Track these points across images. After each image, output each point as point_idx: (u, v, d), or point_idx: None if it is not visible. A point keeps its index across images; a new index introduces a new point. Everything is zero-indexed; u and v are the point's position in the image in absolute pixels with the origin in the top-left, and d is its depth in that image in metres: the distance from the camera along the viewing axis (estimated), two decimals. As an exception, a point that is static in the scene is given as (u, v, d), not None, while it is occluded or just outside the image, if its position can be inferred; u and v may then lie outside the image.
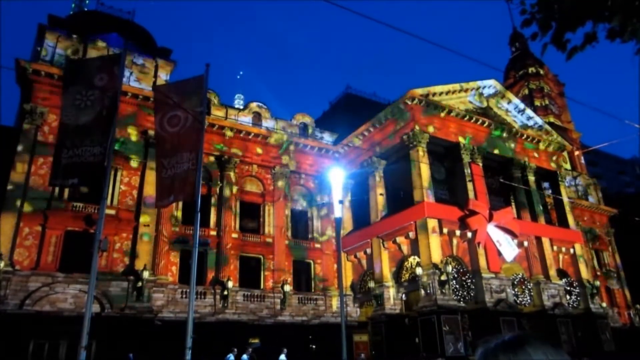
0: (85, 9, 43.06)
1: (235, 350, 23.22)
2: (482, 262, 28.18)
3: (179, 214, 29.58)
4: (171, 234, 28.58)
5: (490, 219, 29.16)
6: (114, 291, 24.61)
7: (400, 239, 30.00)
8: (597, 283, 34.52)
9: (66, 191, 25.78)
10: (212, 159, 31.65)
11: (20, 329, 21.28)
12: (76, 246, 24.64)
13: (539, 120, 37.70)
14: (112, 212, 26.31)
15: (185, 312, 15.10)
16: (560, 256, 33.95)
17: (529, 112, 37.26)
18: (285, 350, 24.21)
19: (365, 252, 32.87)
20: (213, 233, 30.23)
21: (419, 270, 27.04)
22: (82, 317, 8.87)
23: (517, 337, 1.49)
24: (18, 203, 24.40)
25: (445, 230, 28.55)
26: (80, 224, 25.30)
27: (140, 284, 25.10)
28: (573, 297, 32.63)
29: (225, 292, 28.07)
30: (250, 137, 33.58)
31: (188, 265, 29.06)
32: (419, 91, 30.97)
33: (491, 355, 1.47)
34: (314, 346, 28.79)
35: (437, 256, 27.10)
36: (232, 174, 32.08)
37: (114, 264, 25.68)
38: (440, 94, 32.08)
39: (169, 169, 11.19)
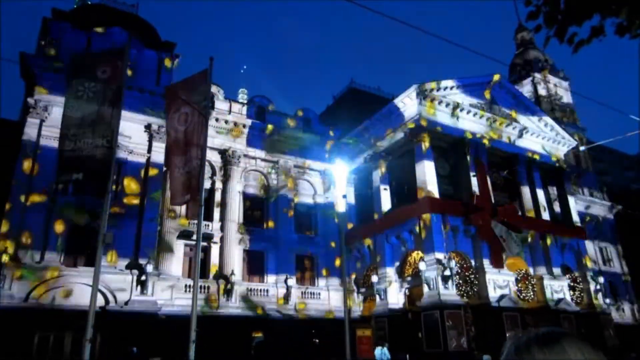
0: (89, 2, 43.02)
1: (387, 344, 23.61)
2: (486, 257, 28.15)
3: (183, 207, 29.63)
4: (175, 228, 28.67)
5: (495, 214, 29.10)
6: (118, 285, 24.70)
7: (403, 234, 29.98)
8: (601, 279, 34.45)
9: (71, 185, 25.86)
10: (216, 153, 31.70)
11: (25, 322, 21.42)
12: (81, 240, 24.77)
13: (544, 115, 37.52)
14: (117, 205, 26.37)
15: (189, 306, 15.18)
16: (564, 252, 33.85)
17: (533, 107, 37.10)
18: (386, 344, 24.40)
19: (368, 247, 32.88)
20: (217, 227, 30.31)
21: (422, 265, 27.02)
22: (87, 310, 8.92)
23: (552, 332, 1.44)
24: (23, 197, 24.50)
25: (449, 226, 28.51)
26: (84, 218, 25.38)
27: (144, 277, 25.20)
28: (577, 292, 32.58)
29: (229, 286, 28.16)
30: (253, 131, 33.60)
31: (192, 259, 29.22)
32: (424, 86, 30.85)
33: (524, 350, 1.41)
34: (317, 340, 28.89)
35: (440, 251, 27.07)
36: (236, 168, 32.13)
37: (118, 257, 25.75)
38: (445, 88, 31.96)
39: (182, 167, 11.33)
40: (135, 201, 27.56)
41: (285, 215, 33.08)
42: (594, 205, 45.13)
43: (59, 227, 25.05)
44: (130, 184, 27.78)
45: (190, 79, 12.17)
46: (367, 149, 34.26)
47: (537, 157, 35.29)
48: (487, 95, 34.51)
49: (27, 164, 25.19)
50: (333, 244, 33.58)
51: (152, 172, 28.45)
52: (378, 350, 23.75)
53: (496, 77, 34.88)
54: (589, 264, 34.95)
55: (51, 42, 28.14)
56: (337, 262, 32.89)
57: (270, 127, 34.25)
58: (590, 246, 38.51)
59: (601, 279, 34.31)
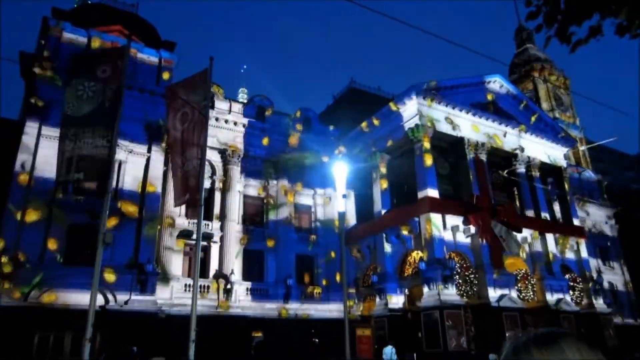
0: (89, 2, 43.02)
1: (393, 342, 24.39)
2: (486, 257, 28.15)
3: (183, 207, 29.62)
4: (175, 227, 28.66)
5: (494, 214, 29.10)
6: (118, 284, 24.69)
7: (403, 234, 29.98)
8: (601, 279, 34.46)
9: (71, 185, 25.83)
10: (216, 152, 31.70)
11: (25, 321, 21.42)
12: (80, 239, 24.73)
13: (543, 115, 37.53)
14: (117, 205, 26.38)
15: (189, 306, 15.21)
16: (564, 252, 33.85)
17: (533, 107, 37.09)
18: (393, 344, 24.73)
19: (368, 247, 32.86)
20: (217, 226, 30.31)
21: (422, 265, 27.03)
22: (87, 310, 8.92)
23: (550, 333, 1.45)
24: (22, 196, 24.49)
25: (449, 225, 28.51)
26: (84, 217, 25.35)
27: (144, 277, 25.21)
28: (576, 292, 32.58)
29: (229, 286, 28.17)
30: (253, 130, 33.61)
31: (192, 258, 29.22)
32: (424, 85, 30.84)
33: (523, 350, 1.42)
34: (316, 340, 28.90)
35: (440, 251, 27.08)
36: (235, 167, 32.13)
37: (118, 257, 25.73)
38: (445, 88, 31.94)
39: (182, 166, 11.39)
40: (135, 201, 27.57)
41: (285, 214, 33.08)
42: (593, 207, 45.12)
43: (58, 226, 25.05)
44: (130, 183, 27.79)
45: (191, 78, 12.18)
46: (367, 149, 34.24)
47: (536, 157, 35.28)
48: (487, 95, 34.51)
49: (27, 164, 25.18)
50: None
51: (152, 171, 28.46)
52: (388, 349, 23.71)
53: (496, 77, 34.89)
54: (589, 264, 34.90)
55: (51, 41, 28.13)
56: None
57: (270, 126, 34.28)
58: (590, 247, 38.45)
59: (601, 279, 34.33)
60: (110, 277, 24.38)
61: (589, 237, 39.11)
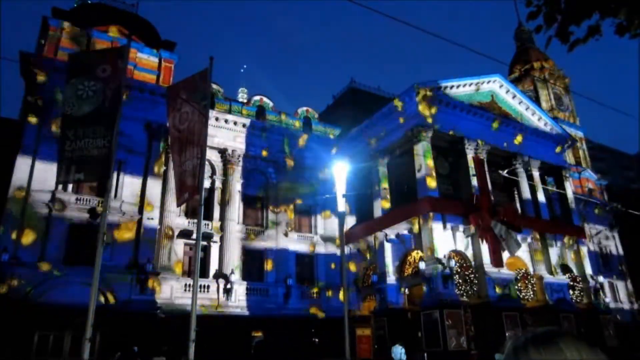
0: (89, 1, 43.02)
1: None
2: (486, 256, 28.14)
3: (183, 206, 29.63)
4: (175, 227, 28.65)
5: (494, 213, 29.08)
6: (118, 284, 24.70)
7: (403, 233, 29.98)
8: (601, 279, 34.43)
9: (71, 184, 25.85)
10: (216, 152, 31.69)
11: (25, 320, 21.42)
12: (81, 239, 24.75)
13: (543, 114, 37.48)
14: (117, 204, 26.40)
15: (189, 305, 15.22)
16: (564, 251, 33.84)
17: (533, 106, 37.06)
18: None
19: (368, 246, 32.86)
20: (217, 226, 30.30)
21: (422, 265, 27.02)
22: (87, 309, 8.93)
23: (548, 332, 1.44)
24: (23, 196, 24.49)
25: (448, 225, 28.49)
26: (84, 217, 25.39)
27: (144, 276, 25.20)
28: (576, 292, 32.55)
29: (229, 286, 28.16)
30: (253, 130, 33.59)
31: (192, 258, 29.22)
32: (424, 85, 30.81)
33: (521, 350, 1.42)
34: (316, 340, 28.90)
35: (440, 251, 27.06)
36: (235, 167, 32.12)
37: (118, 256, 25.76)
38: (445, 88, 31.91)
39: (182, 166, 11.40)
40: (135, 200, 27.58)
41: (285, 214, 33.07)
42: (592, 207, 45.14)
43: (59, 225, 25.05)
44: (130, 183, 27.80)
45: (191, 78, 12.17)
46: (367, 148, 34.21)
47: (536, 156, 35.23)
48: (487, 94, 34.48)
49: (27, 163, 25.19)
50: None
51: (152, 171, 28.46)
52: (397, 349, 23.38)
53: (496, 76, 34.85)
54: (589, 263, 34.87)
55: (51, 40, 28.13)
56: (337, 261, 32.87)
57: (269, 126, 34.26)
58: (591, 247, 38.45)
59: (601, 279, 34.29)
60: (110, 276, 24.38)
61: (589, 235, 39.02)
